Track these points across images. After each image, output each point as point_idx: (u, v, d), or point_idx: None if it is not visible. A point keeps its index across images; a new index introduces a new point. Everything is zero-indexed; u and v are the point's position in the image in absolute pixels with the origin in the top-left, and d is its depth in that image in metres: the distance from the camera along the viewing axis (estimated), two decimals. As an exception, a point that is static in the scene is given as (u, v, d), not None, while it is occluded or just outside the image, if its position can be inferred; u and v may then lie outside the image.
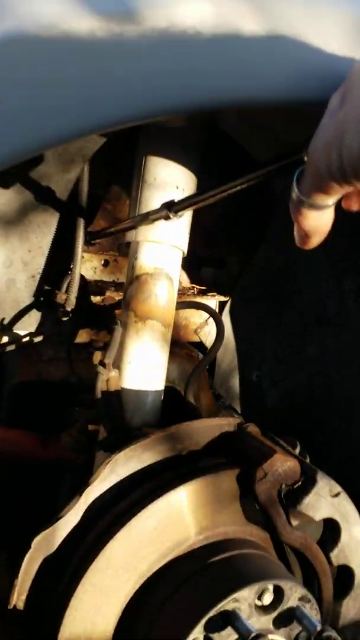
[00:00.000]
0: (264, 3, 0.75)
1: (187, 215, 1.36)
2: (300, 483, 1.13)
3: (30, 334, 1.52)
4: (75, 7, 0.66)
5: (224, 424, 1.19)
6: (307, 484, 1.12)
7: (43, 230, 1.44)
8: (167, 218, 1.18)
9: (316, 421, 1.90)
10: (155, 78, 0.70)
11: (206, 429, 1.17)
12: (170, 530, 1.06)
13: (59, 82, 0.68)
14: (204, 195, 1.12)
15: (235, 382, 2.04)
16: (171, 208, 1.15)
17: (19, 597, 1.01)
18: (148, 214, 1.23)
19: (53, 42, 0.67)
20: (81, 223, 1.41)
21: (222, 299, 1.87)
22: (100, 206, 1.68)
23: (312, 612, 1.08)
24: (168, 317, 1.36)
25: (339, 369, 1.91)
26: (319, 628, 1.04)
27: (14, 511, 1.52)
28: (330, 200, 0.77)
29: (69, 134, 0.72)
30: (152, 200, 1.33)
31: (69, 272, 1.46)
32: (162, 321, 1.34)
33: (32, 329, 1.54)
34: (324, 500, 1.14)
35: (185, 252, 1.39)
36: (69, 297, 1.40)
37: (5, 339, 1.49)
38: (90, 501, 1.06)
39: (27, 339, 1.53)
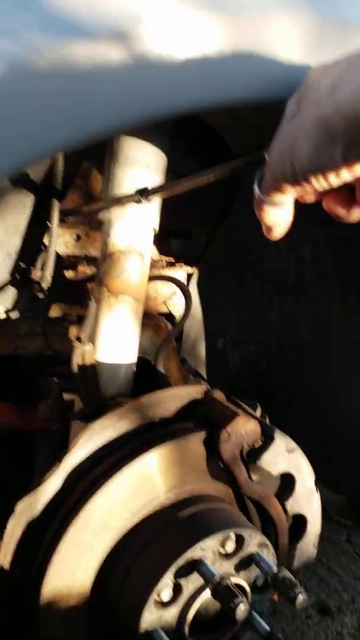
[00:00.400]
0: (227, 16, 0.81)
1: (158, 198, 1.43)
2: (260, 442, 1.25)
3: (7, 311, 1.58)
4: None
5: (192, 391, 1.30)
6: (266, 442, 1.24)
7: (19, 210, 1.49)
8: (138, 202, 1.24)
9: (274, 382, 2.04)
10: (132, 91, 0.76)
11: (175, 396, 1.28)
12: (142, 490, 1.17)
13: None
14: (175, 183, 1.19)
15: (202, 349, 2.15)
16: (143, 194, 1.22)
17: (4, 558, 1.12)
18: (120, 198, 1.29)
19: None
20: (56, 203, 1.46)
21: (190, 270, 1.95)
22: (72, 182, 1.73)
23: (269, 556, 1.22)
24: (140, 293, 1.44)
25: (295, 333, 2.04)
26: (275, 570, 1.18)
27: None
28: (287, 198, 0.85)
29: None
30: (123, 179, 1.39)
31: (44, 250, 1.52)
32: (134, 296, 1.42)
33: (9, 306, 1.60)
34: (281, 456, 1.27)
35: (157, 229, 1.46)
36: (44, 275, 1.47)
37: (-19, 314, 1.56)
38: (70, 468, 1.16)
39: (3, 315, 1.59)
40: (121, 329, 1.41)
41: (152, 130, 1.40)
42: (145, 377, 1.62)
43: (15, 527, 1.12)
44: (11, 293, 1.59)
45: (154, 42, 0.75)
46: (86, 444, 1.18)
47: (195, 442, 1.22)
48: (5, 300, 1.58)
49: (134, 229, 1.40)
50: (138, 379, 1.56)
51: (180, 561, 1.10)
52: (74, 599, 1.14)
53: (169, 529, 1.16)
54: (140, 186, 1.38)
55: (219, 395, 1.32)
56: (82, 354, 1.36)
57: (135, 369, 1.46)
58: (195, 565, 1.11)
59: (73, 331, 1.39)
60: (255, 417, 1.26)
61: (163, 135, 1.42)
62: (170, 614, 1.12)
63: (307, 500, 1.35)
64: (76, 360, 1.35)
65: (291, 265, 2.00)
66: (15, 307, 1.60)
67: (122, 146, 1.39)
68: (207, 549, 1.13)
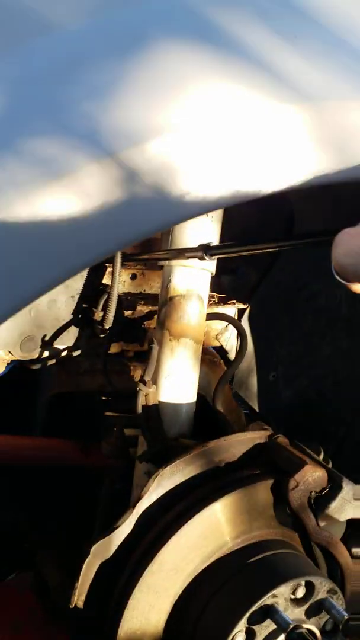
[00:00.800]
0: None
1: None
2: (327, 489, 1.26)
3: (69, 348, 1.63)
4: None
5: (257, 436, 1.32)
6: (334, 490, 1.25)
7: None
8: (202, 258, 1.28)
9: (328, 417, 2.03)
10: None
11: (241, 442, 1.30)
12: (212, 535, 1.19)
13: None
14: (241, 247, 1.24)
15: (254, 381, 2.16)
16: (207, 252, 1.25)
17: (79, 598, 1.15)
18: (184, 250, 1.33)
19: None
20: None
21: (242, 306, 1.98)
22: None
23: (338, 602, 1.22)
24: (199, 335, 1.47)
25: (349, 368, 2.04)
26: (346, 616, 1.18)
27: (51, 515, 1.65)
28: None
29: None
30: (183, 228, 1.43)
31: (104, 290, 1.57)
32: (194, 339, 1.45)
33: (70, 344, 1.65)
34: (349, 504, 1.27)
35: (214, 272, 1.50)
36: (106, 316, 1.51)
37: (46, 353, 1.61)
38: (141, 512, 1.18)
39: (65, 353, 1.64)
40: (182, 370, 1.44)
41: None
42: (202, 415, 1.64)
43: (89, 568, 1.15)
44: (73, 332, 1.64)
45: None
46: (156, 489, 1.20)
47: (263, 489, 1.23)
48: (69, 339, 1.63)
49: (193, 274, 1.44)
50: (198, 419, 1.59)
51: (254, 608, 1.10)
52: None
53: (240, 574, 1.17)
54: (200, 238, 1.42)
55: (283, 440, 1.33)
56: (146, 395, 1.40)
57: (195, 408, 1.48)
58: (269, 612, 1.12)
59: (137, 372, 1.43)
60: (322, 465, 1.27)
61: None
62: (243, 661, 1.13)
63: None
64: (140, 401, 1.38)
65: (344, 301, 2.01)
66: (77, 345, 1.65)
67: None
68: (279, 596, 1.14)
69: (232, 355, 2.07)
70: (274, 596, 1.13)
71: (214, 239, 1.46)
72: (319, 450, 1.38)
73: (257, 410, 2.21)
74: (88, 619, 1.18)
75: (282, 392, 2.22)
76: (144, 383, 1.38)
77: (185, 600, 1.18)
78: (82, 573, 1.15)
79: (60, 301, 1.56)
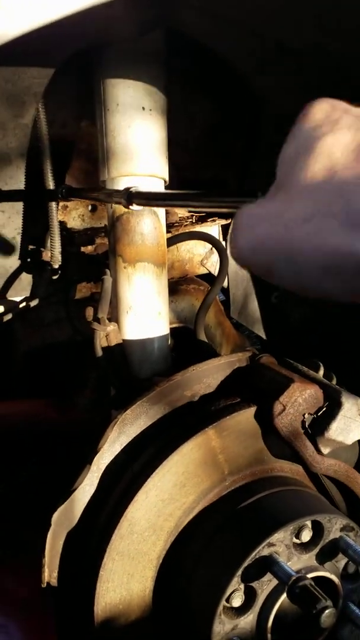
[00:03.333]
0: None
1: (159, 140, 1.22)
2: (325, 408, 1.04)
3: (26, 299, 1.44)
4: None
5: (234, 360, 1.10)
6: (332, 408, 1.03)
7: (11, 187, 1.33)
8: (125, 206, 1.05)
9: (343, 337, 1.79)
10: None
11: (216, 369, 1.08)
12: (191, 484, 0.99)
13: None
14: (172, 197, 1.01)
15: (254, 306, 1.93)
16: (130, 199, 1.01)
17: (50, 575, 0.99)
18: (111, 194, 1.11)
19: None
20: (49, 170, 1.29)
21: (224, 222, 1.73)
22: (74, 148, 1.55)
23: (357, 540, 1.02)
24: (160, 256, 1.25)
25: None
26: (366, 555, 0.98)
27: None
28: None
29: None
30: (119, 129, 1.19)
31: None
32: (154, 261, 1.23)
33: (27, 294, 1.45)
34: (354, 421, 1.05)
35: (167, 179, 1.26)
36: (52, 254, 1.30)
37: (1, 309, 1.42)
38: (104, 467, 1.00)
39: (23, 304, 1.44)
40: (145, 300, 1.22)
41: (142, 67, 1.19)
42: (194, 350, 1.44)
43: (55, 540, 0.98)
44: (27, 280, 1.44)
45: None
46: (119, 438, 1.01)
47: (246, 419, 1.03)
48: (22, 288, 1.43)
49: (140, 184, 1.20)
50: (183, 354, 1.38)
51: (247, 562, 0.92)
52: (134, 613, 0.99)
53: (229, 524, 0.98)
54: (139, 131, 1.19)
55: (268, 360, 1.11)
56: (106, 335, 1.19)
57: (170, 342, 1.27)
58: (267, 565, 0.93)
59: (89, 311, 1.23)
60: (316, 381, 1.05)
61: (155, 70, 1.21)
62: (247, 622, 0.95)
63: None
64: (99, 343, 1.18)
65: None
66: (34, 294, 1.45)
67: (109, 91, 1.19)
68: (278, 544, 0.94)
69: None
70: (271, 545, 0.93)
71: (157, 137, 1.21)
72: (318, 366, 1.16)
73: (264, 338, 1.98)
74: (68, 599, 1.02)
75: (290, 313, 1.98)
76: (98, 321, 1.18)
77: (171, 564, 1.00)
78: (46, 547, 0.98)
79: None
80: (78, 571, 0.98)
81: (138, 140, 1.20)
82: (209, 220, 1.71)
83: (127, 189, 1.04)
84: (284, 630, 0.97)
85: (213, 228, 1.72)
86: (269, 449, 1.06)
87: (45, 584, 0.98)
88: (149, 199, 1.05)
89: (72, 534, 0.99)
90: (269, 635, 0.95)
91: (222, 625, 0.92)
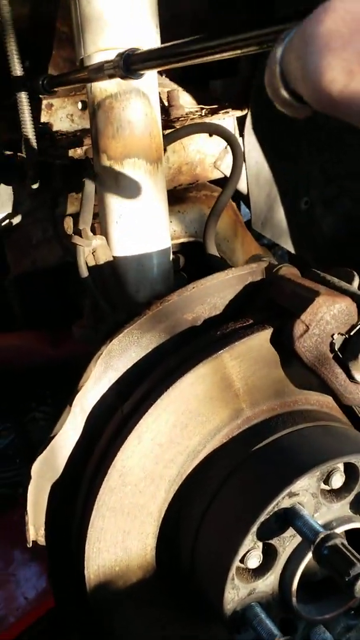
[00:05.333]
0: None
1: (146, 5, 0.96)
2: (359, 327, 0.83)
3: (8, 216, 1.24)
4: None
5: (245, 273, 0.89)
6: (369, 328, 0.81)
7: None
8: (123, 77, 0.80)
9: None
10: None
11: (222, 285, 0.87)
12: (196, 422, 0.82)
13: None
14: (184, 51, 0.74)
15: (280, 215, 1.68)
16: (129, 64, 0.76)
17: (37, 533, 0.85)
18: (102, 67, 0.85)
19: None
20: (15, 59, 1.06)
21: (239, 113, 1.46)
22: (54, 32, 1.29)
23: None
24: (153, 149, 1.01)
25: None
26: None
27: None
28: None
29: None
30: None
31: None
32: (146, 156, 1.00)
33: (9, 210, 1.25)
34: None
35: None
36: (26, 159, 1.09)
37: (-20, 229, 1.23)
38: (89, 409, 0.83)
39: (5, 222, 1.25)
40: (139, 205, 1.01)
41: None
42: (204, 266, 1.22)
43: (38, 493, 0.83)
44: (7, 194, 1.24)
45: None
46: (105, 373, 0.83)
47: (261, 344, 0.83)
48: (2, 204, 1.23)
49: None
50: (194, 272, 1.18)
51: (264, 517, 0.75)
52: (135, 575, 0.85)
53: (242, 471, 0.81)
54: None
55: (288, 271, 0.89)
56: (93, 251, 0.99)
57: (170, 258, 1.06)
58: (288, 518, 0.76)
59: (69, 223, 1.02)
60: (347, 293, 0.83)
61: None
62: (267, 585, 0.80)
63: None
64: (83, 261, 0.98)
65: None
66: (17, 209, 1.25)
67: None
68: (302, 493, 0.77)
69: (241, 186, 1.59)
70: (293, 494, 0.76)
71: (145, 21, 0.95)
72: (352, 276, 0.93)
73: (292, 251, 1.74)
74: (58, 560, 0.88)
75: (322, 220, 1.73)
76: (80, 235, 0.98)
77: (175, 518, 0.84)
78: (28, 501, 0.83)
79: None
80: (66, 530, 0.84)
81: (119, 6, 0.95)
82: (220, 112, 1.44)
83: (124, 53, 0.79)
84: (312, 593, 0.81)
85: (226, 121, 1.46)
86: (290, 379, 0.87)
87: (30, 544, 0.84)
88: (154, 59, 0.80)
89: (56, 487, 0.83)
90: (294, 599, 0.79)
91: (235, 590, 0.77)
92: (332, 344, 0.81)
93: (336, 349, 0.81)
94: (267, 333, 0.82)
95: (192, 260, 1.32)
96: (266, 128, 1.51)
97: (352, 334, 0.82)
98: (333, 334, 0.81)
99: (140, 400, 0.80)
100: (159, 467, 0.81)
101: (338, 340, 0.82)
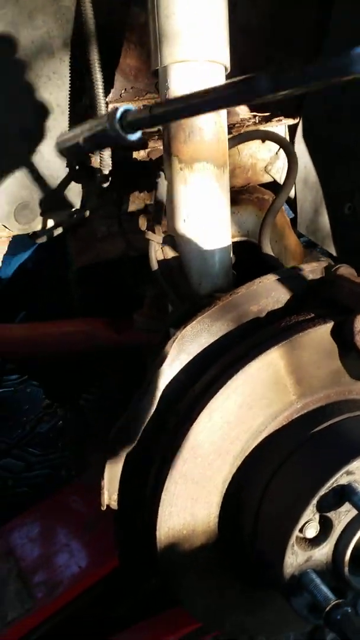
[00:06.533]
0: None
1: (219, 19, 1.05)
2: None
3: (76, 211, 1.34)
4: None
5: (307, 271, 0.97)
6: None
7: (56, 83, 1.20)
8: None
9: None
10: None
11: (285, 281, 0.96)
12: (259, 405, 0.90)
13: None
14: None
15: (324, 219, 1.75)
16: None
17: (110, 497, 0.94)
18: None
19: None
20: (96, 61, 1.15)
21: (291, 121, 1.54)
22: (123, 40, 1.38)
23: None
24: (220, 154, 1.10)
25: None
26: None
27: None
28: None
29: None
30: (172, 7, 1.02)
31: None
32: (214, 160, 1.09)
33: (78, 206, 1.35)
34: None
35: (228, 66, 1.09)
36: (102, 158, 1.18)
37: (50, 222, 1.32)
38: (163, 387, 0.92)
39: (73, 217, 1.34)
40: (205, 206, 1.09)
41: None
42: (260, 264, 1.31)
43: (114, 460, 0.92)
44: (77, 191, 1.33)
45: None
46: (179, 356, 0.92)
47: (321, 337, 0.91)
48: (71, 200, 1.33)
49: (197, 70, 1.04)
50: (247, 269, 1.26)
51: (323, 491, 0.83)
52: (199, 539, 0.93)
53: (302, 449, 0.89)
54: (195, 9, 1.01)
55: (346, 270, 0.97)
56: (162, 247, 1.08)
57: (231, 255, 1.15)
58: (345, 494, 0.84)
59: (143, 221, 1.11)
60: None
61: None
62: (322, 554, 0.88)
63: None
64: (154, 255, 1.07)
65: None
66: (85, 206, 1.34)
67: None
68: (358, 472, 0.84)
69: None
70: (350, 473, 0.84)
71: (217, 16, 1.04)
72: None
73: (334, 254, 1.81)
74: (129, 523, 0.97)
75: (364, 226, 1.80)
76: (153, 231, 1.07)
77: (239, 488, 0.92)
78: (105, 468, 0.93)
79: (45, 152, 1.24)
80: (139, 494, 0.92)
81: (194, 19, 1.03)
82: (274, 119, 1.52)
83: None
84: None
85: (279, 128, 1.54)
86: (347, 370, 0.94)
87: (104, 507, 0.94)
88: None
89: (131, 455, 0.92)
90: (346, 569, 0.87)
91: (295, 556, 0.85)
92: (388, 339, 0.89)
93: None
94: (328, 326, 0.90)
95: (244, 259, 1.40)
96: (317, 136, 1.59)
97: None
98: (390, 330, 0.88)
99: (211, 382, 0.89)
100: (225, 442, 0.90)
101: None
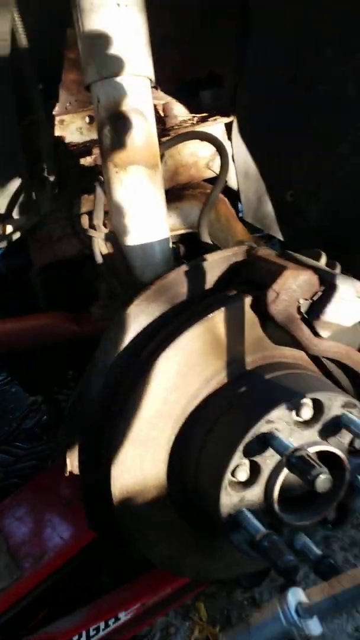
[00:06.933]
0: None
1: (139, 37, 1.18)
2: (320, 293, 1.05)
3: (32, 216, 1.47)
4: None
5: (230, 254, 1.11)
6: (327, 292, 1.04)
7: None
8: None
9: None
10: None
11: (211, 265, 1.10)
12: (193, 372, 1.04)
13: None
14: None
15: (268, 208, 1.89)
16: None
17: (72, 464, 1.08)
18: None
19: None
20: (34, 79, 1.28)
21: (226, 120, 1.68)
22: (63, 59, 1.52)
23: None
24: (151, 157, 1.24)
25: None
26: (367, 429, 1.02)
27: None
28: None
29: None
30: (95, 29, 1.16)
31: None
32: (146, 163, 1.22)
33: (33, 212, 1.48)
34: (351, 303, 1.06)
35: (152, 78, 1.23)
36: (48, 166, 1.32)
37: (9, 228, 1.46)
38: (110, 362, 1.06)
39: (30, 222, 1.48)
40: (140, 203, 1.23)
41: None
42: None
43: (72, 432, 1.07)
44: (29, 199, 1.47)
45: None
46: (121, 336, 1.06)
47: (243, 310, 1.05)
48: (27, 206, 1.46)
49: (124, 84, 1.18)
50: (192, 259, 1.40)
51: (247, 439, 0.97)
52: (151, 493, 1.08)
53: (231, 407, 1.03)
54: (116, 30, 1.15)
55: (265, 252, 1.12)
56: (105, 242, 1.22)
57: (170, 246, 1.29)
58: (267, 440, 0.98)
59: (85, 220, 1.25)
60: (310, 267, 1.05)
61: None
62: (254, 494, 1.02)
63: None
64: (98, 250, 1.21)
65: (350, 80, 1.63)
66: (37, 211, 1.48)
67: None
68: (277, 421, 0.99)
69: (232, 183, 1.81)
70: (270, 422, 0.98)
71: (137, 34, 1.17)
72: (319, 254, 1.16)
73: (282, 239, 1.96)
74: (90, 485, 1.12)
75: (307, 211, 1.94)
76: (94, 228, 1.20)
77: (181, 447, 1.07)
78: (65, 439, 1.07)
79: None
80: (97, 459, 1.07)
81: (116, 38, 1.17)
82: (210, 119, 1.67)
83: None
84: (292, 504, 1.03)
85: (215, 127, 1.68)
86: (269, 337, 1.09)
87: (67, 473, 1.08)
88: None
89: (87, 425, 1.06)
90: (276, 506, 1.01)
91: (229, 497, 0.99)
92: (298, 307, 1.03)
93: (302, 311, 1.04)
94: (247, 300, 1.04)
95: (191, 249, 1.55)
96: (250, 131, 1.73)
97: (314, 298, 1.04)
98: (299, 299, 1.03)
99: (150, 355, 1.03)
100: (166, 406, 1.04)
101: (304, 304, 1.04)
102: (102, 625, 1.59)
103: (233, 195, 1.90)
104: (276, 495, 1.01)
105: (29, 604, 1.49)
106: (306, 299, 1.04)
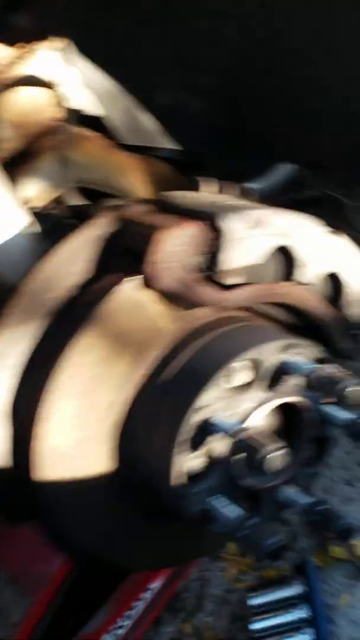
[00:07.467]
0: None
1: None
2: (211, 240, 0.87)
3: None
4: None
5: (101, 226, 0.92)
6: (216, 238, 0.86)
7: None
8: None
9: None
10: None
11: (76, 252, 0.91)
12: (106, 388, 0.89)
13: None
14: None
15: (144, 120, 1.65)
16: None
17: None
18: None
19: None
20: None
21: (58, 44, 1.38)
22: None
23: (300, 355, 0.93)
24: None
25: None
26: (311, 369, 0.90)
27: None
28: None
29: None
30: None
31: None
32: None
33: None
34: (248, 239, 0.88)
35: None
36: None
37: None
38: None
39: None
40: None
41: None
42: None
43: None
44: None
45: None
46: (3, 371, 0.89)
47: (131, 295, 0.88)
48: None
49: None
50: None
51: (183, 437, 0.84)
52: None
53: (156, 402, 0.90)
54: None
55: (135, 210, 0.93)
56: None
57: (27, 231, 1.07)
58: (205, 430, 0.86)
59: None
60: (189, 214, 0.87)
61: None
62: (220, 478, 0.91)
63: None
64: None
65: None
66: None
67: None
68: (210, 403, 0.85)
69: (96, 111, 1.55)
70: (201, 408, 0.84)
71: None
72: (196, 182, 0.98)
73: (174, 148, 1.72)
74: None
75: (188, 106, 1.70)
76: None
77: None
78: None
79: None
80: None
81: None
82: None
83: None
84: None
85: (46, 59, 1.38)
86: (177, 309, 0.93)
87: None
88: None
89: None
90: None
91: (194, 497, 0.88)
92: (195, 267, 0.86)
93: (201, 268, 0.87)
94: (132, 284, 0.87)
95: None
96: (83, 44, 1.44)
97: (208, 249, 0.87)
98: (188, 259, 0.86)
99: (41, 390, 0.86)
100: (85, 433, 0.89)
101: (202, 260, 0.87)
102: (134, 604, 1.59)
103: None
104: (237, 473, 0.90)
105: (53, 617, 1.46)
106: (203, 252, 0.87)
